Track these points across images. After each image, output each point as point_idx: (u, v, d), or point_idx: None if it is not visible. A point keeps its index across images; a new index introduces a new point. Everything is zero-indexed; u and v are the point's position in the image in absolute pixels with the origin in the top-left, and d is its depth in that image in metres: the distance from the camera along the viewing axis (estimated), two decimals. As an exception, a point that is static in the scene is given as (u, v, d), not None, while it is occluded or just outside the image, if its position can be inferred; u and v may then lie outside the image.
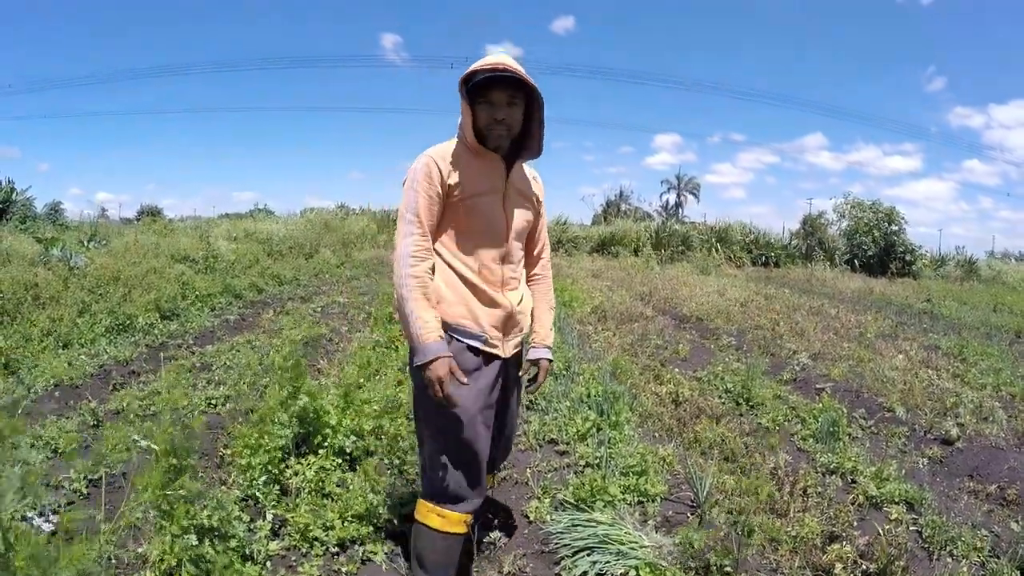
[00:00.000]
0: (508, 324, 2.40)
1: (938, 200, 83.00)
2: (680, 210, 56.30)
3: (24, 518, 2.60)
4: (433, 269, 2.28)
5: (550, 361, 2.65)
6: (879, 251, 22.48)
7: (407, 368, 2.59)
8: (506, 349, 2.41)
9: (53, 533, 2.27)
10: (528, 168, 2.55)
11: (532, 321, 2.62)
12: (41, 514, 2.72)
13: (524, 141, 2.38)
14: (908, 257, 22.25)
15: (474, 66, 2.21)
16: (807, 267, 21.07)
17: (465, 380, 2.21)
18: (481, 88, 2.21)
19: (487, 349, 2.33)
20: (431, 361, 2.13)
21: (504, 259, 2.38)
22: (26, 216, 25.12)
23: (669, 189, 60.54)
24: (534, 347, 2.62)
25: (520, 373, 2.61)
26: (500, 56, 2.24)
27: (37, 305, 7.22)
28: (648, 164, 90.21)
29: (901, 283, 18.49)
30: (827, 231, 24.57)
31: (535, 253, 2.66)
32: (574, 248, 24.45)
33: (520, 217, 2.44)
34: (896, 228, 22.93)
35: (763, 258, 23.64)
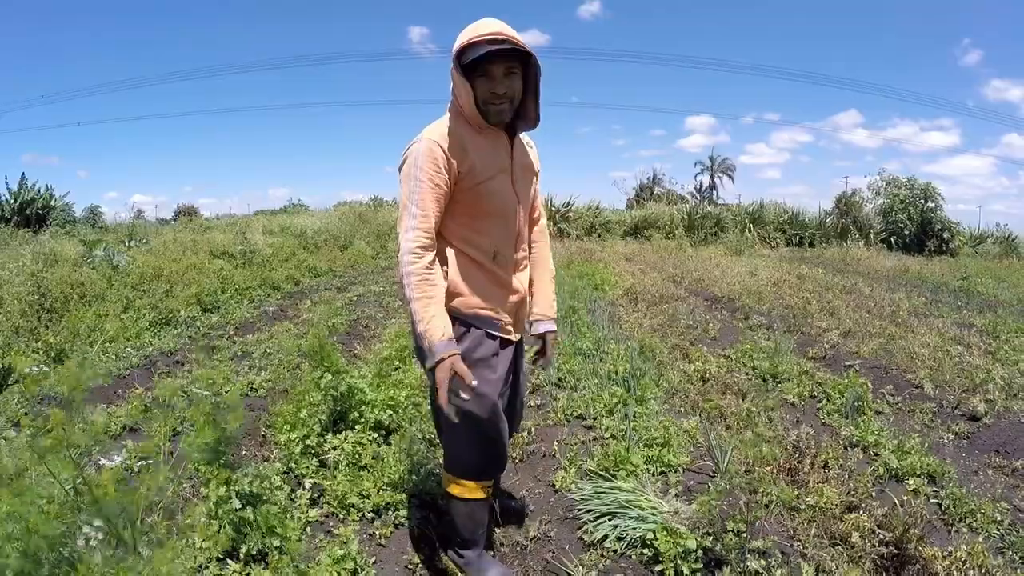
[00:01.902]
0: (519, 309, 2.44)
1: (977, 176, 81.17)
2: (715, 192, 55.80)
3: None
4: (435, 261, 2.17)
5: (555, 332, 2.63)
6: (916, 229, 22.03)
7: (419, 362, 2.50)
8: (516, 333, 2.44)
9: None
10: (525, 137, 2.46)
11: (533, 292, 2.58)
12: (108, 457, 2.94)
13: (520, 111, 2.26)
14: (946, 235, 21.71)
15: (467, 37, 2.07)
16: (842, 246, 20.74)
17: (474, 383, 2.11)
18: (478, 61, 2.07)
19: (503, 336, 2.35)
20: (440, 361, 2.06)
21: (516, 241, 2.38)
22: (65, 221, 25.72)
23: (703, 171, 60.02)
24: (539, 320, 2.58)
25: (525, 347, 2.63)
26: (492, 23, 2.10)
27: (83, 303, 7.49)
28: (681, 146, 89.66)
29: (938, 261, 18.14)
30: (862, 209, 24.12)
31: (533, 218, 2.58)
32: (607, 232, 24.27)
33: (528, 194, 2.43)
34: (933, 205, 22.41)
35: (798, 238, 23.31)
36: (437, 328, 2.08)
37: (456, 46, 2.09)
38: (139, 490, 1.64)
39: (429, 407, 2.66)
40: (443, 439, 2.50)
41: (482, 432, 2.32)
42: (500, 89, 2.13)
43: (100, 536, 1.60)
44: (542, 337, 2.61)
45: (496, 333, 2.32)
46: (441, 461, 3.11)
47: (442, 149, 2.11)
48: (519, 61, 2.14)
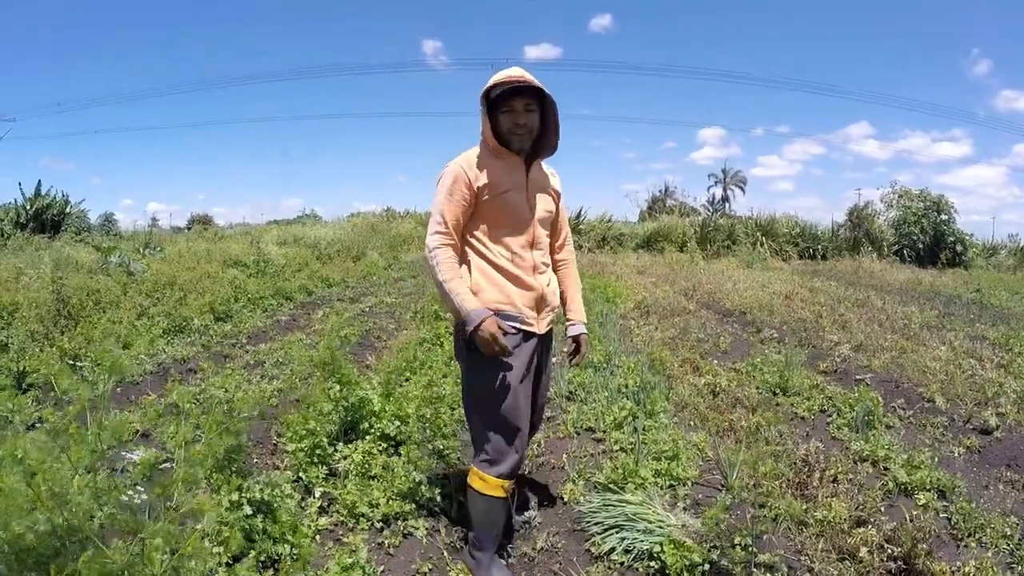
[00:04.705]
0: (541, 304, 2.68)
1: (990, 186, 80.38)
2: (727, 204, 55.54)
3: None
4: (458, 256, 2.58)
5: (586, 334, 2.97)
6: (928, 241, 21.94)
7: (454, 355, 2.81)
8: (540, 326, 2.68)
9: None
10: (546, 166, 2.83)
11: (566, 301, 2.95)
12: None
13: (540, 141, 2.67)
14: (959, 247, 21.64)
15: (493, 80, 2.52)
16: (855, 259, 20.67)
17: (512, 330, 2.54)
18: (503, 99, 2.53)
19: (524, 328, 2.60)
20: (480, 323, 2.42)
21: (533, 246, 2.67)
22: (80, 228, 25.91)
23: (716, 183, 59.96)
24: (572, 324, 2.93)
25: (563, 349, 3.01)
26: (515, 69, 2.54)
27: (98, 309, 7.55)
28: (693, 159, 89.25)
29: (951, 273, 18.07)
30: (875, 222, 24.00)
31: (560, 242, 2.96)
32: (619, 245, 24.23)
33: (542, 207, 2.71)
34: (945, 217, 22.33)
35: (810, 251, 23.25)
36: (470, 299, 2.48)
37: (485, 87, 2.54)
38: (168, 484, 1.69)
39: (463, 404, 2.80)
40: (470, 425, 2.72)
41: (501, 413, 2.54)
42: (521, 120, 2.55)
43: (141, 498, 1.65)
44: (576, 339, 2.93)
45: (516, 326, 2.58)
46: (452, 471, 3.16)
47: (464, 171, 2.55)
48: (537, 100, 2.57)
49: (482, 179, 2.55)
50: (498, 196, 2.57)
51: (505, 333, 2.50)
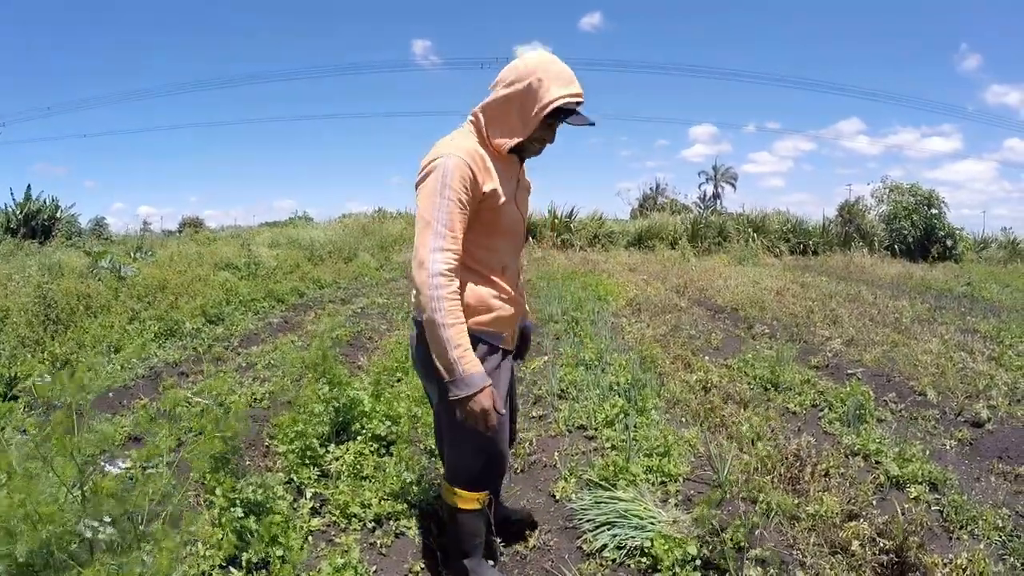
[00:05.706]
0: (516, 320, 2.47)
1: (980, 181, 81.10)
2: (718, 201, 55.75)
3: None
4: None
5: (531, 325, 2.70)
6: (919, 235, 22.00)
7: (424, 376, 2.44)
8: (512, 343, 2.48)
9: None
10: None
11: None
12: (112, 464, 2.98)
13: None
14: (949, 241, 21.69)
15: (568, 91, 2.13)
16: (846, 254, 20.69)
17: (504, 411, 2.22)
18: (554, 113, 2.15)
19: (503, 347, 2.37)
20: (476, 393, 2.06)
21: (518, 255, 2.46)
22: (71, 233, 25.83)
23: (707, 180, 60.16)
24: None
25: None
26: (577, 82, 2.18)
27: (89, 314, 7.51)
28: (684, 156, 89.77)
29: (942, 267, 18.09)
30: (865, 217, 24.02)
31: None
32: (610, 243, 24.19)
33: (527, 212, 2.52)
34: (936, 211, 22.37)
35: (801, 246, 23.22)
36: (473, 358, 2.07)
37: (555, 95, 2.12)
38: (142, 492, 1.67)
39: (433, 419, 2.71)
40: (445, 450, 2.55)
41: (486, 443, 2.33)
42: (552, 138, 2.28)
43: (108, 531, 1.63)
44: (524, 330, 2.65)
45: (499, 346, 2.35)
46: (441, 472, 3.14)
47: (471, 169, 2.11)
48: None
49: (489, 183, 2.17)
50: (500, 205, 2.21)
51: (499, 410, 2.15)
